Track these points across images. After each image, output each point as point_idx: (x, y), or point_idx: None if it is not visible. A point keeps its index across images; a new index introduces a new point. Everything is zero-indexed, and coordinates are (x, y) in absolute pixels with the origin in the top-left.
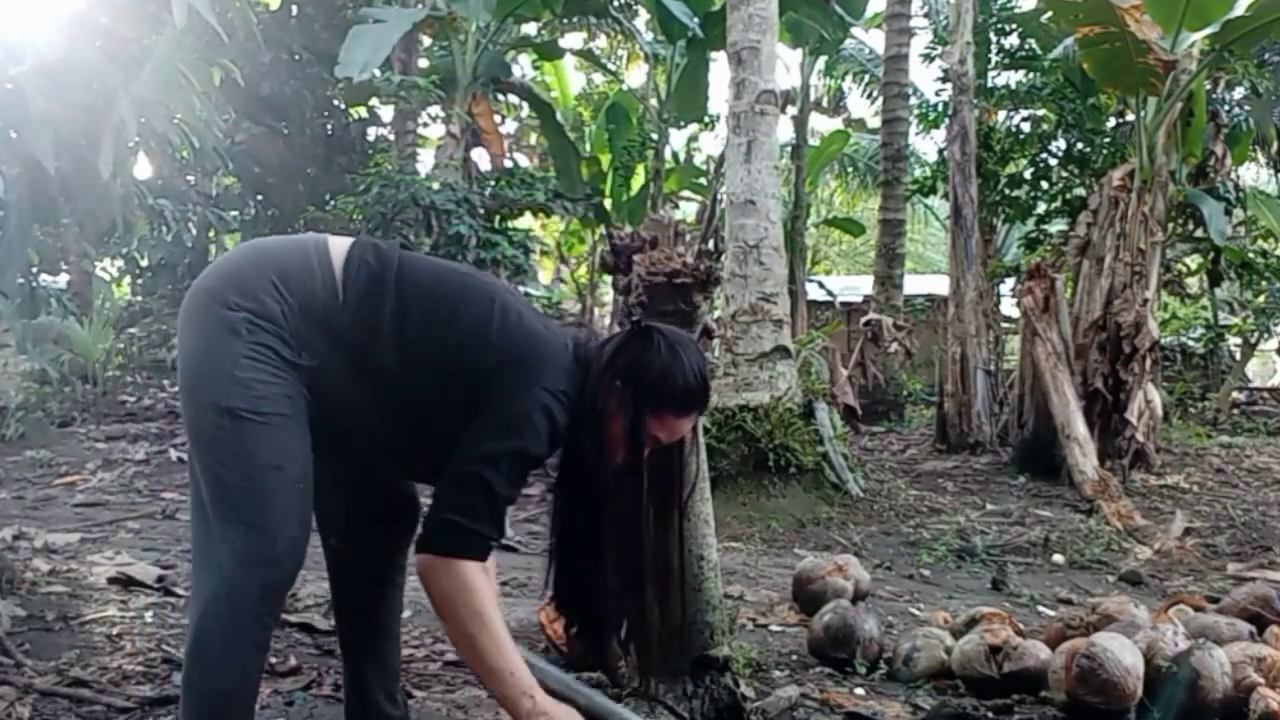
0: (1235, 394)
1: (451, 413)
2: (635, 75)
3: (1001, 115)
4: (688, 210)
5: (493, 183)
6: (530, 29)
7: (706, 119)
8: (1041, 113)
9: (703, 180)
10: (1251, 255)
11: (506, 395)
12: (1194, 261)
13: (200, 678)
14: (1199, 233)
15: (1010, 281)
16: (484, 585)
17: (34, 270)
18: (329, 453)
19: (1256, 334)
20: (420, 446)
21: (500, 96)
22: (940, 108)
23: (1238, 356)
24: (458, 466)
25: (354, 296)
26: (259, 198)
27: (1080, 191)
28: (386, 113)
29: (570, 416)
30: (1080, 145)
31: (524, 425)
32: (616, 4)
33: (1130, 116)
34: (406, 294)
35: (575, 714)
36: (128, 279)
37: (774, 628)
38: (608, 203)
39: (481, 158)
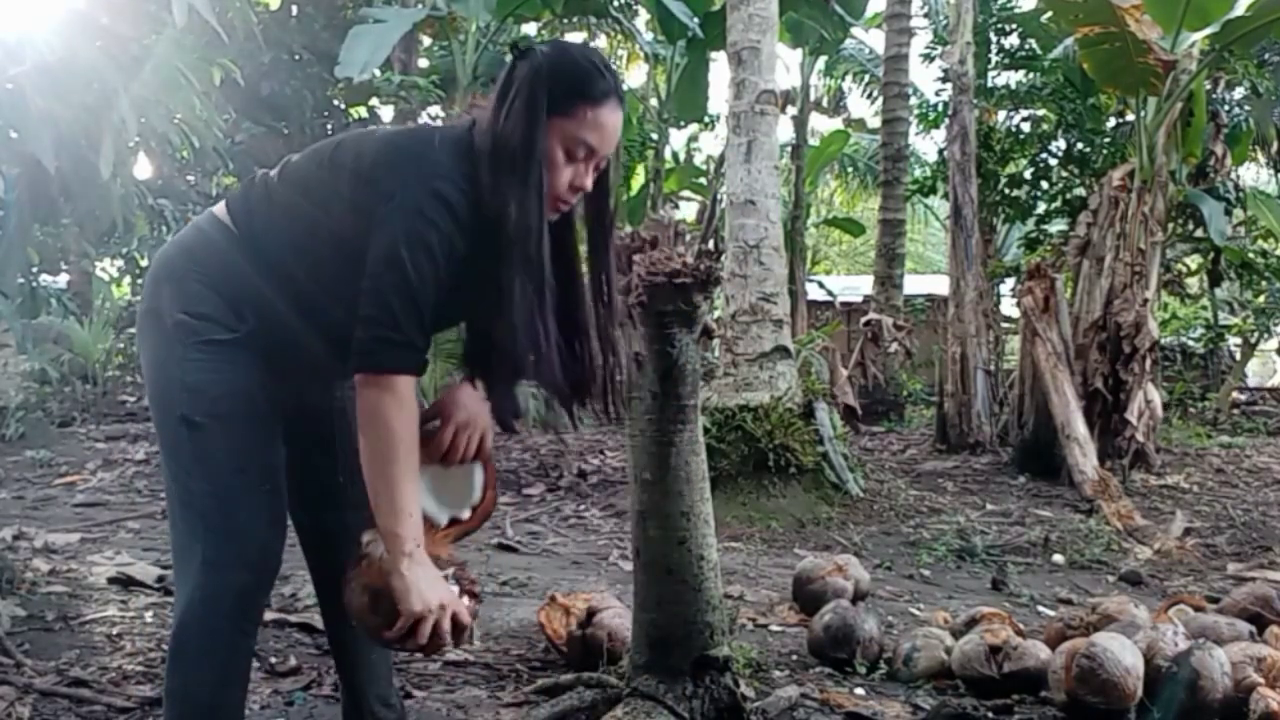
0: (1235, 394)
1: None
2: (635, 75)
3: (1001, 115)
4: (688, 210)
5: None
6: (530, 29)
7: (706, 119)
8: (1041, 113)
9: (703, 180)
10: (1251, 255)
11: (390, 190)
12: (1194, 261)
13: (180, 687)
14: (1199, 233)
15: (1010, 281)
16: (412, 406)
17: (34, 270)
18: (300, 369)
19: (1256, 334)
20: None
21: None
22: (940, 108)
23: (1238, 356)
24: (365, 284)
25: (242, 224)
26: None
27: (1080, 191)
28: (386, 113)
29: (473, 188)
30: (1080, 145)
31: (411, 211)
32: (616, 4)
33: (1130, 116)
34: (277, 181)
35: (443, 585)
36: (128, 279)
37: (774, 628)
38: None
39: None
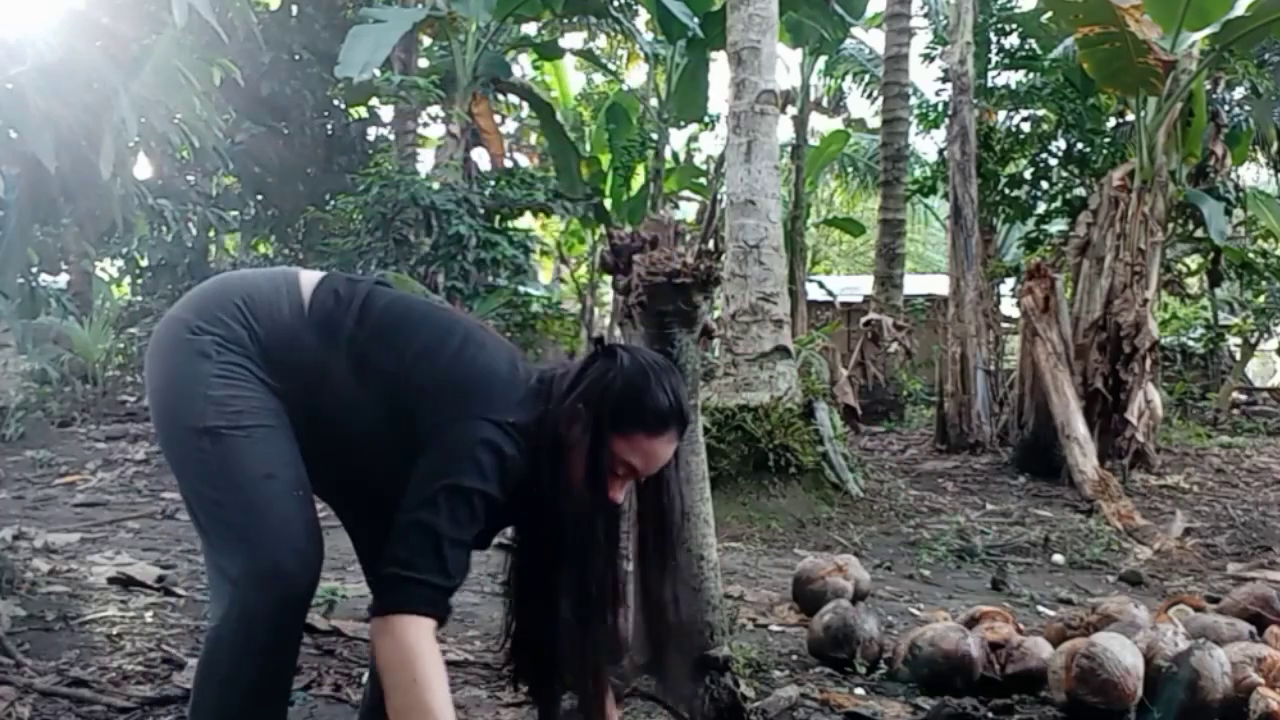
0: (1235, 394)
1: (403, 446)
2: (635, 75)
3: (1001, 115)
4: (688, 210)
5: (493, 183)
6: (530, 29)
7: (706, 119)
8: (1041, 113)
9: (703, 180)
10: (1251, 255)
11: (444, 427)
12: (1194, 261)
13: (214, 705)
14: (1199, 233)
15: (1010, 281)
16: (429, 648)
17: (34, 270)
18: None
19: (1256, 334)
20: (385, 482)
21: (500, 96)
22: (940, 108)
23: (1238, 356)
24: (399, 517)
25: (316, 316)
26: (259, 198)
27: (1080, 191)
28: (386, 113)
29: (527, 450)
30: (1080, 145)
31: (461, 459)
32: (616, 4)
33: (1130, 116)
34: (368, 317)
35: None
36: (128, 279)
37: (774, 628)
38: (608, 203)
39: (481, 158)
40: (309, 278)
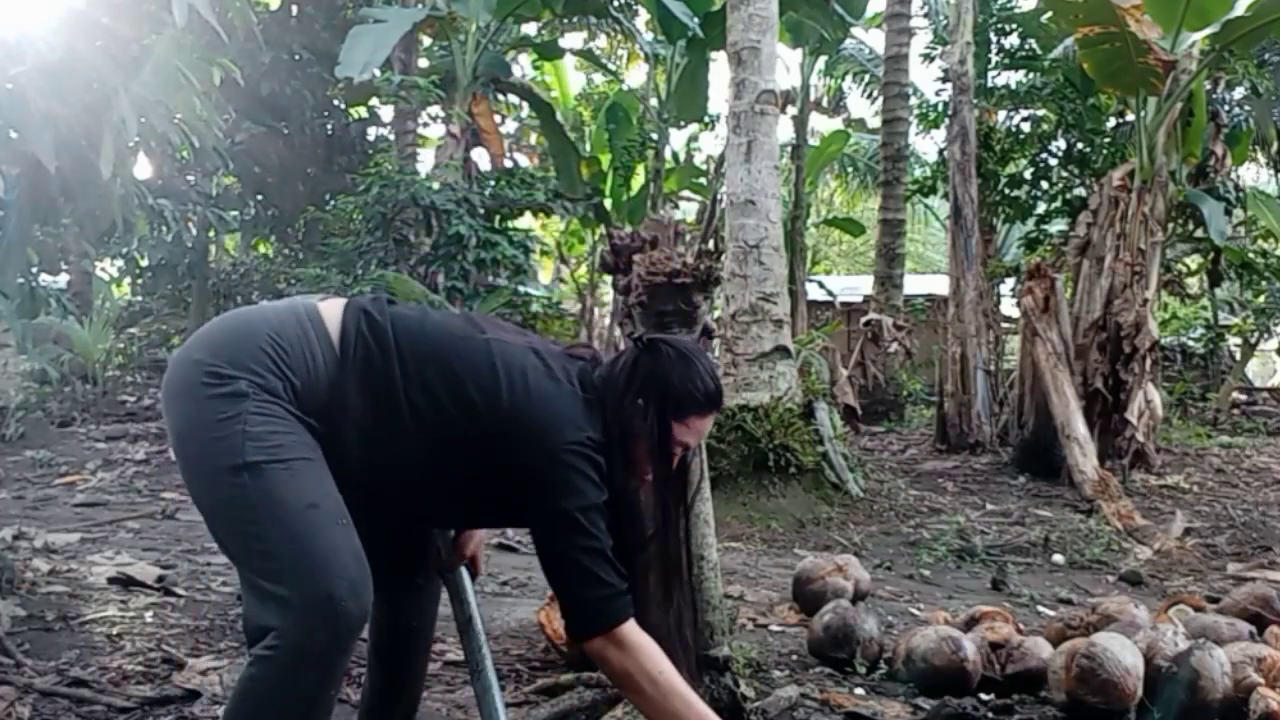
0: (1235, 394)
1: (458, 480)
2: (635, 75)
3: (1001, 115)
4: (688, 210)
5: (493, 183)
6: (530, 29)
7: (706, 119)
8: (1041, 113)
9: (703, 180)
10: (1251, 255)
11: (540, 470)
12: (1194, 261)
13: None
14: (1199, 233)
15: (1010, 281)
16: (646, 644)
17: (34, 270)
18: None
19: (1256, 334)
20: (433, 508)
21: (500, 96)
22: (940, 108)
23: (1238, 356)
24: (546, 564)
25: (356, 368)
26: (259, 198)
27: (1080, 191)
28: (386, 113)
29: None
30: (1080, 145)
31: (572, 489)
32: (616, 4)
33: (1130, 116)
34: (407, 357)
35: None
36: (128, 279)
37: (774, 628)
38: (608, 203)
39: (481, 158)
40: (331, 314)
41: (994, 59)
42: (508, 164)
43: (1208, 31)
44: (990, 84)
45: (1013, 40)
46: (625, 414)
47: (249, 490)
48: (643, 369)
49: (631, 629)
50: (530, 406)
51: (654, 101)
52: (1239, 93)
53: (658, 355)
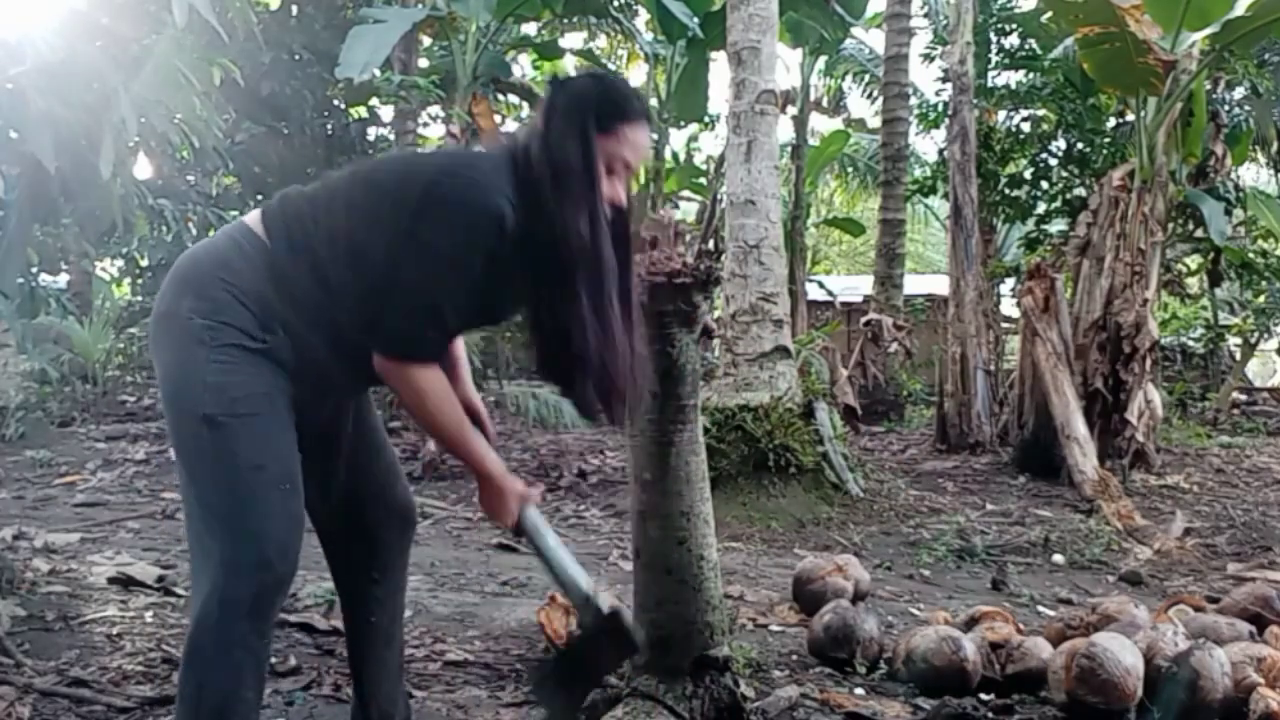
0: (1235, 394)
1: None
2: (635, 75)
3: (1001, 115)
4: (688, 210)
5: None
6: (530, 29)
7: (706, 119)
8: (1041, 113)
9: (703, 180)
10: (1251, 255)
11: (429, 199)
12: (1194, 261)
13: (194, 689)
14: (1199, 233)
15: (1010, 281)
16: (438, 383)
17: (34, 270)
18: (319, 385)
19: (1256, 334)
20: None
21: (500, 96)
22: (940, 108)
23: (1238, 356)
24: (388, 290)
25: (280, 238)
26: (259, 198)
27: (1080, 191)
28: (386, 113)
29: (521, 196)
30: (1080, 145)
31: (457, 226)
32: (616, 4)
33: (1130, 116)
34: (320, 199)
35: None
36: (128, 279)
37: (774, 628)
38: None
39: None
40: (253, 217)
41: (994, 59)
42: None
43: (1208, 31)
44: (990, 84)
45: (1013, 40)
46: (552, 147)
47: (204, 442)
48: (558, 101)
49: (424, 374)
50: (443, 161)
51: (654, 101)
52: (1239, 93)
53: (570, 82)
